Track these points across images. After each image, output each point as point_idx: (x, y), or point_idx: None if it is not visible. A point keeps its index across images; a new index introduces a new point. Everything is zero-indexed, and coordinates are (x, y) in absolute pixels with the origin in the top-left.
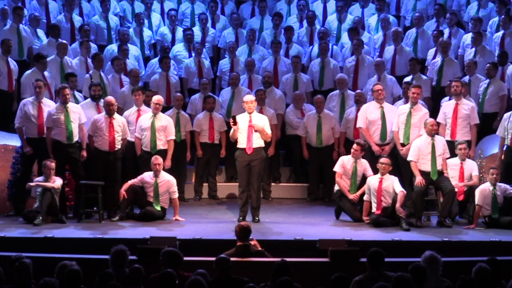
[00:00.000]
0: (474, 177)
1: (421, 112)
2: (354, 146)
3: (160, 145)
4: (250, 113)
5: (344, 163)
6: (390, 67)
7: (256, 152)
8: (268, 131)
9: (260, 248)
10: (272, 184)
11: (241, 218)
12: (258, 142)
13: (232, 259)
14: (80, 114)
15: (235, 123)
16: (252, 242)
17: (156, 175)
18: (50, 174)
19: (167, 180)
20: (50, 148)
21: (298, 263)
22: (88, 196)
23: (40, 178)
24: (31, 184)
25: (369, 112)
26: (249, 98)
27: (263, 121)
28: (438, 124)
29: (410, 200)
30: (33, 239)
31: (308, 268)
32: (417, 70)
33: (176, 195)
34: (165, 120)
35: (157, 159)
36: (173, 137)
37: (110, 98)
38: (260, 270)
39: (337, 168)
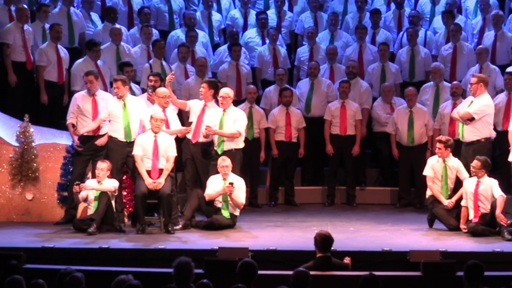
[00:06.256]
0: None
1: None
2: (437, 144)
3: (229, 145)
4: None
5: (433, 165)
6: (490, 55)
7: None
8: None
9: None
10: (357, 188)
11: None
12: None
13: (311, 272)
14: (141, 109)
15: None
16: (346, 261)
17: (223, 178)
18: (103, 176)
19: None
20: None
21: (386, 277)
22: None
23: (93, 181)
24: (83, 194)
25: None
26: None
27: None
28: None
29: None
30: (86, 250)
31: (398, 283)
32: None
33: (243, 200)
34: (236, 114)
35: (224, 161)
36: (240, 129)
37: (162, 89)
38: (344, 285)
39: (427, 171)
